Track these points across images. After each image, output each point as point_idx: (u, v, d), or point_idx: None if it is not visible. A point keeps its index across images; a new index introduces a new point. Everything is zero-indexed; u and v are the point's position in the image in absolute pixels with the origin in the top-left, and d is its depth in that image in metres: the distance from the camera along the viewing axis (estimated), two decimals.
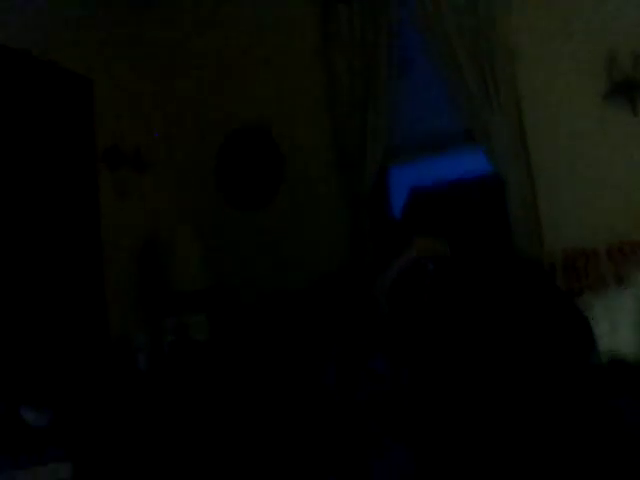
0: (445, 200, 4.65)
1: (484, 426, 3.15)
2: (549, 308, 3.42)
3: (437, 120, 4.93)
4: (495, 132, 4.63)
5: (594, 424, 2.97)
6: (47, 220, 4.52)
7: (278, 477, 3.65)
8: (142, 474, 3.98)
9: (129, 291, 5.08)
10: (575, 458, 2.91)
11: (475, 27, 4.68)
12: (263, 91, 5.40)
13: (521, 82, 4.67)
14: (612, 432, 2.98)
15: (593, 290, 4.19)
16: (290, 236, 5.24)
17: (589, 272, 4.26)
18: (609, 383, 3.45)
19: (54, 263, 4.50)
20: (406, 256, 3.49)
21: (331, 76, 5.12)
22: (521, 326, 3.34)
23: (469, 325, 3.31)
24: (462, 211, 4.22)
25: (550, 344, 3.31)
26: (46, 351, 4.24)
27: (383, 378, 3.20)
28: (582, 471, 2.84)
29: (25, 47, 4.42)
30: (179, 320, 4.88)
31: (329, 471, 3.30)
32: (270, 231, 5.33)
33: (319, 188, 5.21)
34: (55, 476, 3.34)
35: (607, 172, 4.47)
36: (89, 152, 4.86)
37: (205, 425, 4.22)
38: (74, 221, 4.69)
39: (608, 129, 4.48)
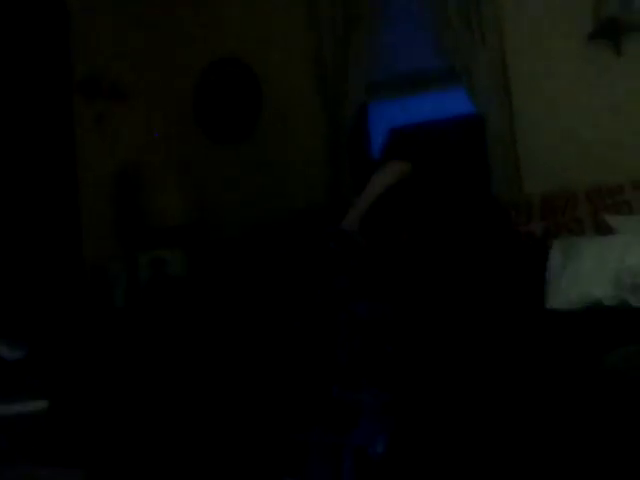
0: (425, 140, 4.60)
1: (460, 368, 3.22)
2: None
3: (419, 58, 4.85)
4: (477, 71, 4.59)
5: None
6: (22, 150, 4.46)
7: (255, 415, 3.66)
8: (117, 408, 3.99)
9: (105, 223, 5.03)
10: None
11: None
12: (243, 23, 5.29)
13: (506, 21, 4.59)
14: None
15: (571, 233, 4.23)
16: (269, 170, 5.20)
17: (567, 215, 4.27)
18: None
19: (29, 193, 4.45)
20: (377, 182, 3.49)
21: (313, 9, 5.02)
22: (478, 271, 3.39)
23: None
24: (441, 151, 4.18)
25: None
26: (21, 282, 4.21)
27: (363, 322, 3.20)
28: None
29: None
30: (156, 255, 4.85)
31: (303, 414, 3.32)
32: (249, 165, 5.28)
33: (299, 122, 5.15)
34: (32, 410, 3.35)
35: (589, 114, 4.45)
36: (65, 82, 4.77)
37: (183, 361, 4.22)
38: (50, 152, 4.62)
39: (591, 70, 4.44)
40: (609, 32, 4.36)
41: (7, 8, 4.42)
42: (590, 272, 3.83)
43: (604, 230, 4.12)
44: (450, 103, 4.84)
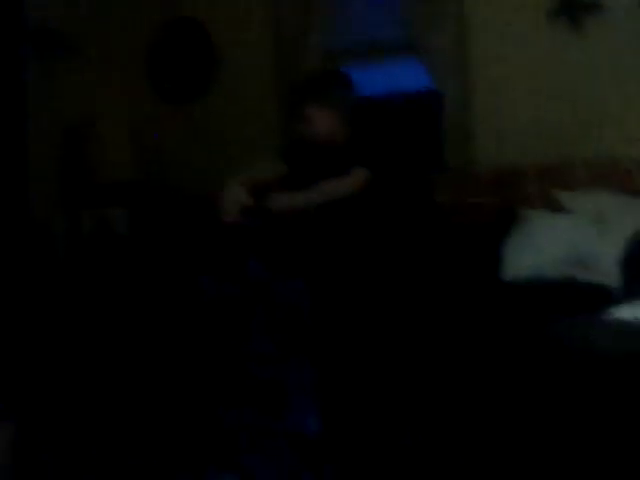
0: (378, 113, 4.55)
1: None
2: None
3: (378, 27, 4.81)
4: (435, 43, 4.56)
5: None
6: None
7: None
8: (48, 364, 3.93)
9: (52, 178, 4.94)
10: None
11: None
12: None
13: None
14: None
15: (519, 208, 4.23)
16: (220, 131, 5.14)
17: (517, 190, 4.27)
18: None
19: None
20: (341, 187, 3.36)
21: None
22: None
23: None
24: (394, 124, 4.14)
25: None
26: None
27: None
28: None
29: None
30: (100, 212, 4.76)
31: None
32: (200, 125, 5.22)
33: (253, 84, 5.09)
34: None
35: (545, 91, 4.44)
36: (16, 34, 4.65)
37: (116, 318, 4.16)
38: None
39: (549, 47, 4.42)
40: (567, 10, 4.35)
41: None
42: (541, 246, 3.84)
43: (553, 206, 4.12)
44: (406, 75, 4.82)
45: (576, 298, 3.46)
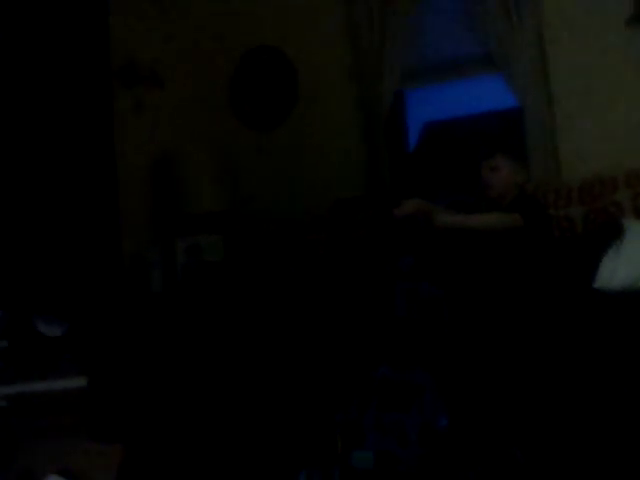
0: (460, 134, 4.59)
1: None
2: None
3: (457, 44, 4.84)
4: (515, 57, 4.56)
5: None
6: (62, 138, 4.49)
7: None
8: (153, 390, 4.01)
9: (142, 209, 5.07)
10: None
11: None
12: (278, 10, 5.27)
13: (544, 7, 4.56)
14: None
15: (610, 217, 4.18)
16: (304, 157, 5.20)
17: (606, 199, 4.22)
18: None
19: (70, 178, 4.49)
20: (499, 222, 3.68)
21: None
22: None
23: None
24: (477, 146, 4.18)
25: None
26: (61, 264, 4.25)
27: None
28: None
29: None
30: (193, 241, 4.86)
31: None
32: (284, 152, 5.28)
33: (334, 110, 5.14)
34: (70, 386, 3.35)
35: (629, 99, 4.41)
36: (104, 69, 4.80)
37: (220, 346, 4.23)
38: (88, 139, 4.66)
39: (630, 54, 4.39)
40: None
41: None
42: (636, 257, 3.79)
43: None
44: (488, 90, 4.82)
45: None
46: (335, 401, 3.39)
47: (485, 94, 4.85)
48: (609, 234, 3.89)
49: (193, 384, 3.99)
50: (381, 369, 3.20)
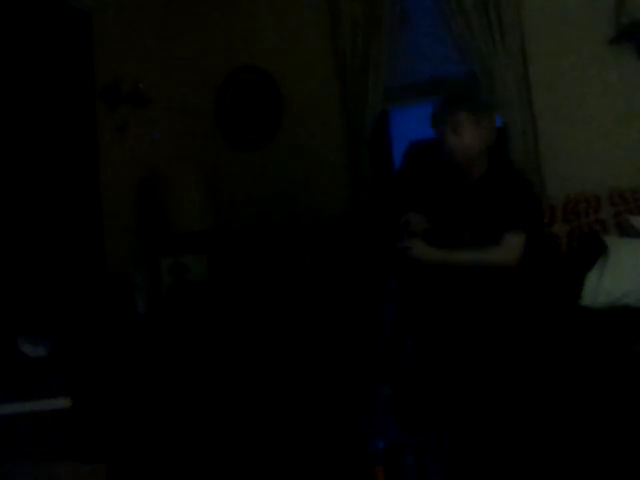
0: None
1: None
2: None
3: (441, 63, 4.87)
4: (499, 77, 4.59)
5: None
6: (45, 157, 4.48)
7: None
8: (137, 410, 3.99)
9: (127, 228, 5.03)
10: None
11: None
12: (265, 31, 5.30)
13: (526, 27, 4.60)
14: None
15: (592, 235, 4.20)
16: (289, 176, 5.20)
17: (590, 217, 4.25)
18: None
19: (52, 198, 4.46)
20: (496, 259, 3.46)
21: (333, 14, 5.03)
22: None
23: None
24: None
25: None
26: (44, 284, 4.23)
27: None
28: None
29: None
30: (177, 260, 4.85)
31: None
32: (269, 171, 5.29)
33: (319, 128, 5.15)
34: (54, 407, 3.33)
35: (611, 117, 4.45)
36: (87, 89, 4.79)
37: (205, 366, 4.22)
38: (72, 158, 4.64)
39: (613, 74, 4.44)
40: (630, 36, 4.36)
41: (29, 16, 4.45)
42: (621, 274, 3.80)
43: (627, 232, 4.09)
44: None
45: None
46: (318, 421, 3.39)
47: None
48: (593, 252, 3.90)
49: (178, 404, 3.97)
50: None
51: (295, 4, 5.23)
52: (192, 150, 5.43)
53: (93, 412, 3.61)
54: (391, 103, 5.04)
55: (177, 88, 5.48)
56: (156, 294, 4.78)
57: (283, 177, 5.22)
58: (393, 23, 4.87)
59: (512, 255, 3.40)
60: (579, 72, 4.53)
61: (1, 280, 3.99)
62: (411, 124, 4.98)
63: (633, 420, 3.00)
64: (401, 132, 5.07)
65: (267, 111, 5.32)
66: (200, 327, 4.43)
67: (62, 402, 3.34)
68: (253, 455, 3.57)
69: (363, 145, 4.91)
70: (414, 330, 3.22)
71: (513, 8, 4.58)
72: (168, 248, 5.02)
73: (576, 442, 3.04)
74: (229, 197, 5.31)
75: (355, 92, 4.94)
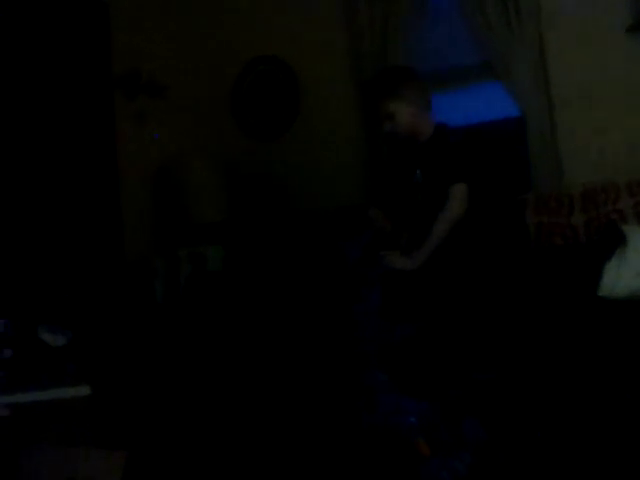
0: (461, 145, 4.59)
1: None
2: None
3: (457, 54, 4.84)
4: (516, 65, 4.57)
5: None
6: (64, 147, 4.51)
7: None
8: (156, 397, 4.02)
9: (145, 218, 5.08)
10: None
11: None
12: (282, 21, 5.30)
13: (544, 14, 4.58)
14: None
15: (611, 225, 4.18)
16: (305, 167, 5.21)
17: (608, 206, 4.22)
18: None
19: (72, 188, 4.50)
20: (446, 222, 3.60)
21: (351, 6, 5.03)
22: None
23: None
24: (478, 156, 4.15)
25: None
26: (64, 274, 4.26)
27: None
28: None
29: None
30: (195, 250, 4.87)
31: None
32: (286, 162, 5.29)
33: (336, 119, 5.15)
34: (74, 395, 3.36)
35: (629, 107, 4.43)
36: (105, 79, 4.82)
37: (222, 354, 4.24)
38: (91, 148, 4.68)
39: (630, 62, 4.41)
40: None
41: (47, 6, 4.48)
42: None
43: None
44: (488, 98, 4.83)
45: None
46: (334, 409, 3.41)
47: (486, 102, 4.86)
48: (611, 241, 3.88)
49: (195, 391, 4.00)
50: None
51: None
52: (209, 140, 5.44)
53: (112, 400, 3.65)
54: None
55: (194, 78, 5.48)
56: (174, 283, 4.80)
57: (299, 167, 5.22)
58: (410, 15, 4.86)
59: (460, 207, 3.59)
60: (596, 60, 4.49)
61: (22, 270, 4.03)
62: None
63: None
64: None
65: (284, 101, 5.33)
66: (217, 317, 4.44)
67: (82, 390, 3.36)
68: (266, 440, 3.60)
69: (380, 135, 4.90)
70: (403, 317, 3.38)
71: None
72: (186, 238, 5.04)
73: (591, 433, 3.04)
74: (245, 187, 5.31)
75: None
